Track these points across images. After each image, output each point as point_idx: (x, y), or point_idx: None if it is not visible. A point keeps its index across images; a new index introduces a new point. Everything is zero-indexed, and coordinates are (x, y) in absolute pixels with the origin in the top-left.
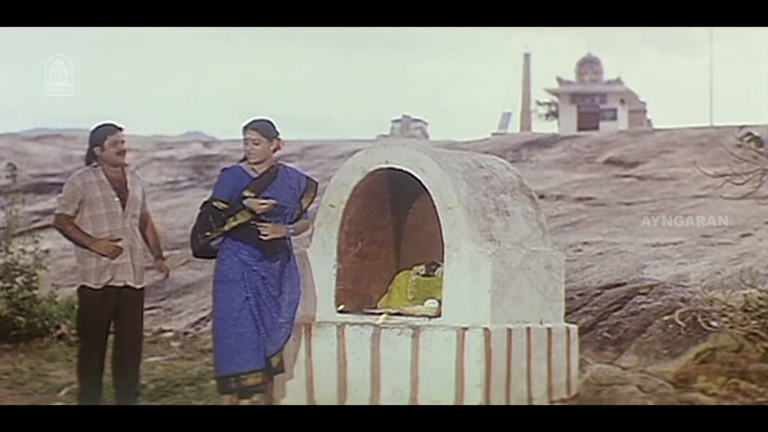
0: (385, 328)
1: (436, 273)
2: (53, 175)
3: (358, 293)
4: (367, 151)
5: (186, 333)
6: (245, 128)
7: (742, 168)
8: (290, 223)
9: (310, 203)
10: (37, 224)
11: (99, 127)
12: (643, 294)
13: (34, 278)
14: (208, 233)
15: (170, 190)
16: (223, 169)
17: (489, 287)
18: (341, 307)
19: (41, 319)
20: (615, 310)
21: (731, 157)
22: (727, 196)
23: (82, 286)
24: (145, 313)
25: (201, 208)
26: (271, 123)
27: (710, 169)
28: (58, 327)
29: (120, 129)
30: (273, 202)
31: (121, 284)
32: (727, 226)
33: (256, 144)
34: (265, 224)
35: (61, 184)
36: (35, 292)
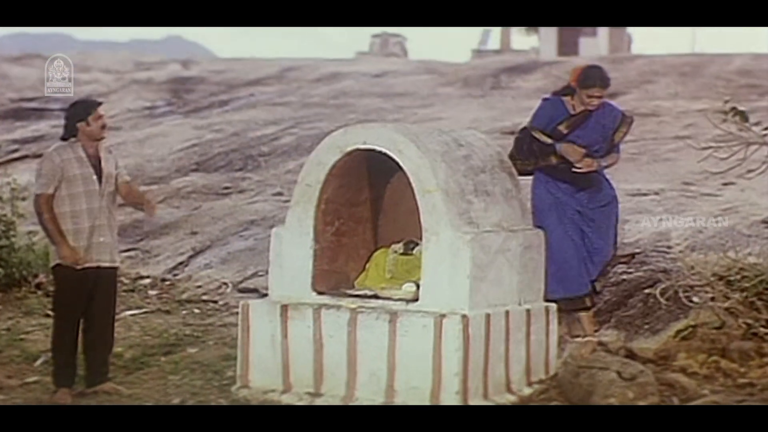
0: (362, 312)
1: (414, 252)
2: (32, 99)
3: (335, 272)
4: (345, 130)
5: (164, 279)
6: (590, 87)
7: (727, 142)
8: (602, 157)
9: (622, 138)
10: (15, 155)
11: (80, 102)
12: (624, 263)
13: (11, 226)
14: (526, 161)
15: (148, 117)
16: (543, 99)
17: (468, 273)
18: (318, 289)
19: (19, 268)
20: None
21: (713, 89)
22: (709, 137)
23: (58, 265)
24: (123, 255)
25: (520, 132)
26: (606, 71)
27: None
28: (35, 276)
29: (100, 103)
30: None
31: (98, 265)
32: (708, 172)
33: (600, 98)
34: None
35: (41, 110)
36: (13, 240)
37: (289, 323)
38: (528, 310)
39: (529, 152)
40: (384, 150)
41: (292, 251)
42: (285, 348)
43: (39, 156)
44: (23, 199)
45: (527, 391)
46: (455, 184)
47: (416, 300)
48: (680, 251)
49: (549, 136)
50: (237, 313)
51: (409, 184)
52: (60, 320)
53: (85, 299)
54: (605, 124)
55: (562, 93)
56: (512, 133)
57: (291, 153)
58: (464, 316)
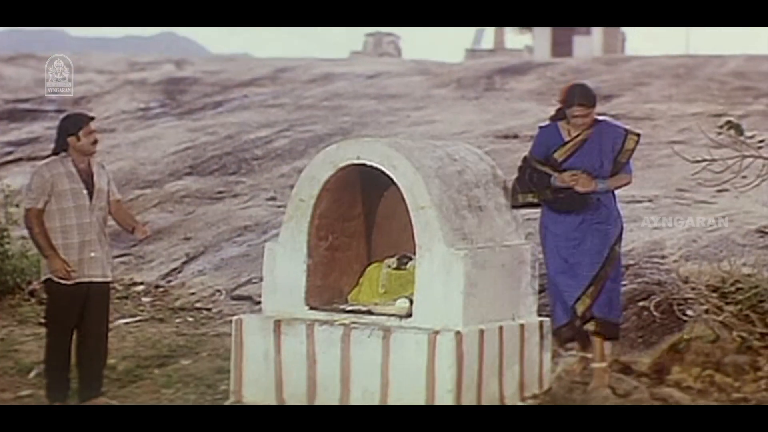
0: (356, 328)
1: (407, 267)
2: (26, 101)
3: (329, 287)
4: (338, 145)
5: (157, 286)
6: (571, 107)
7: (722, 154)
8: (604, 178)
9: (629, 156)
10: (10, 157)
11: (71, 116)
12: None
13: (4, 233)
14: (527, 192)
15: (141, 118)
16: (540, 127)
17: (461, 289)
18: (311, 304)
19: (13, 276)
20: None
21: (707, 91)
22: (704, 143)
23: (49, 279)
24: (116, 261)
25: (522, 162)
26: (590, 89)
27: (690, 155)
28: (29, 282)
29: (92, 118)
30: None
31: (89, 280)
32: (703, 179)
33: (585, 117)
34: (575, 175)
35: (35, 111)
36: (7, 247)
37: (282, 339)
38: (522, 325)
39: (530, 182)
40: (378, 166)
41: (286, 266)
42: (278, 363)
43: (34, 159)
44: (17, 205)
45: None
46: (449, 200)
47: (410, 316)
48: (674, 261)
49: (546, 165)
50: (230, 321)
51: (403, 199)
52: (52, 335)
53: (76, 314)
54: (604, 145)
55: (557, 118)
56: (506, 137)
57: (285, 156)
58: (458, 333)
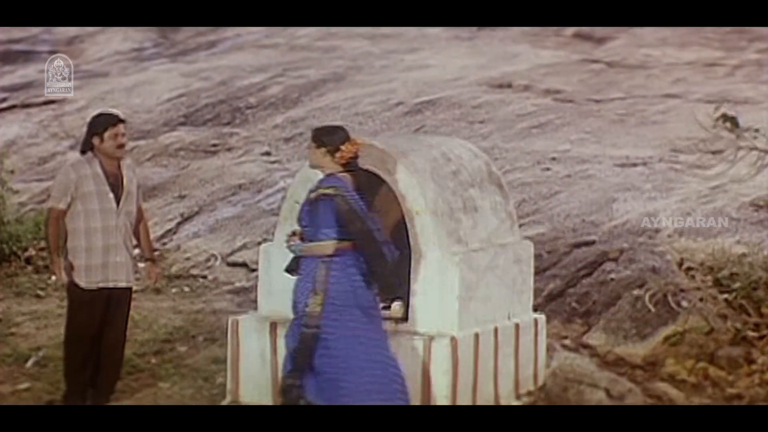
0: None
1: None
2: (20, 41)
3: None
4: None
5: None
6: None
7: (716, 145)
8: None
9: (314, 218)
10: (4, 104)
11: (99, 115)
12: (613, 260)
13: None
14: None
15: (135, 60)
16: None
17: (457, 293)
18: None
19: (9, 244)
20: (584, 277)
21: (702, 34)
22: (698, 98)
23: (71, 283)
24: None
25: None
26: (321, 130)
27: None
28: (25, 249)
29: (122, 121)
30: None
31: (113, 285)
32: (697, 138)
33: (309, 148)
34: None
35: (28, 52)
36: (2, 213)
37: (278, 340)
38: (517, 324)
39: None
40: (372, 169)
41: (281, 267)
42: (274, 365)
43: (28, 106)
44: (12, 171)
45: (516, 404)
46: (444, 203)
47: (405, 319)
48: (668, 235)
49: None
50: (227, 292)
51: (396, 199)
52: (72, 341)
53: (97, 319)
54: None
55: None
56: (500, 86)
57: (278, 105)
58: (453, 338)
